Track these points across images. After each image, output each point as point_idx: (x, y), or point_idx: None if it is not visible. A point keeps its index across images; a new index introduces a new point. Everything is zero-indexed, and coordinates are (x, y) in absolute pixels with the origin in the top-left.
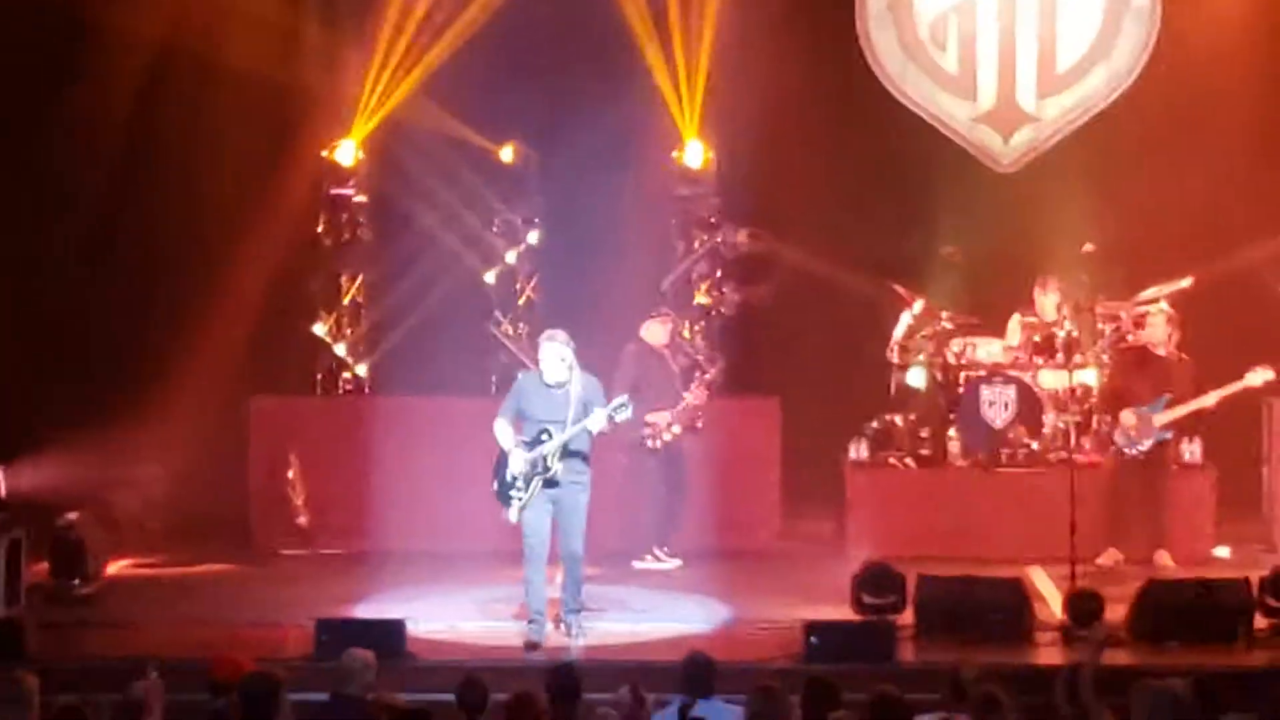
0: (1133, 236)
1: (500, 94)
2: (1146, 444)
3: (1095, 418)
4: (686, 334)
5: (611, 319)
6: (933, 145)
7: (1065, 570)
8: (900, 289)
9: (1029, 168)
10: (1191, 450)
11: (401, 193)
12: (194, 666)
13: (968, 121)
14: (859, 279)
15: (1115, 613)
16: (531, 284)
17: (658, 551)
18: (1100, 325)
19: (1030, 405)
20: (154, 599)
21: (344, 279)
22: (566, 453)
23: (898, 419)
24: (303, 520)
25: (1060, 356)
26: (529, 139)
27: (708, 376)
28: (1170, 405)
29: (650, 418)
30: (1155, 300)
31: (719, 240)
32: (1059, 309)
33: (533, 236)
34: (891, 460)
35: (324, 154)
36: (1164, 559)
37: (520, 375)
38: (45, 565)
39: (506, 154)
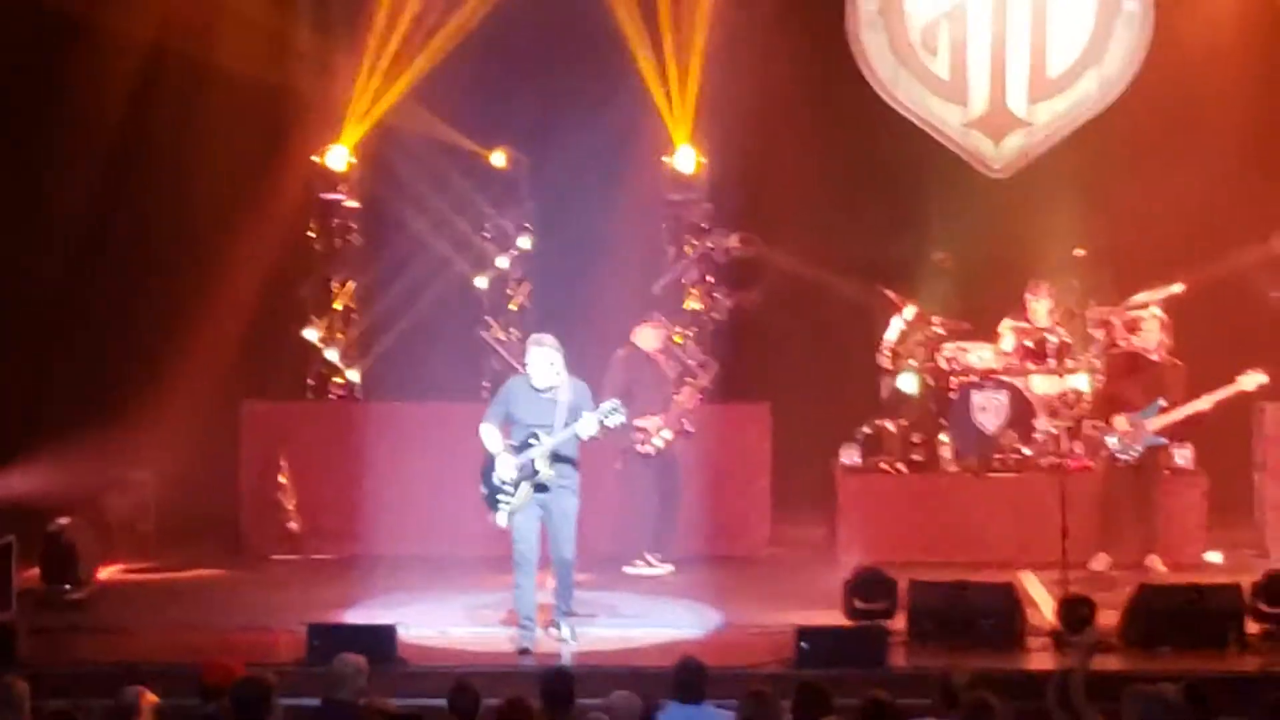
0: (1124, 241)
1: (491, 99)
2: (1139, 449)
3: (1087, 423)
4: (678, 339)
5: (603, 324)
6: (924, 150)
7: (1057, 575)
8: (891, 294)
9: (1020, 172)
10: (1183, 455)
11: (393, 198)
12: (185, 671)
13: (959, 127)
14: (850, 284)
15: (1107, 618)
16: (523, 289)
17: (649, 557)
18: (1092, 330)
19: (1022, 410)
20: (145, 604)
21: (335, 284)
22: (555, 458)
23: (889, 424)
24: (294, 525)
25: (1052, 362)
26: (520, 144)
27: (700, 381)
28: (1163, 410)
29: (640, 423)
30: (1147, 305)
31: (710, 245)
32: (1051, 314)
33: (524, 241)
34: (883, 465)
35: (315, 159)
36: (1156, 564)
37: (509, 380)
38: (36, 570)
39: (498, 159)
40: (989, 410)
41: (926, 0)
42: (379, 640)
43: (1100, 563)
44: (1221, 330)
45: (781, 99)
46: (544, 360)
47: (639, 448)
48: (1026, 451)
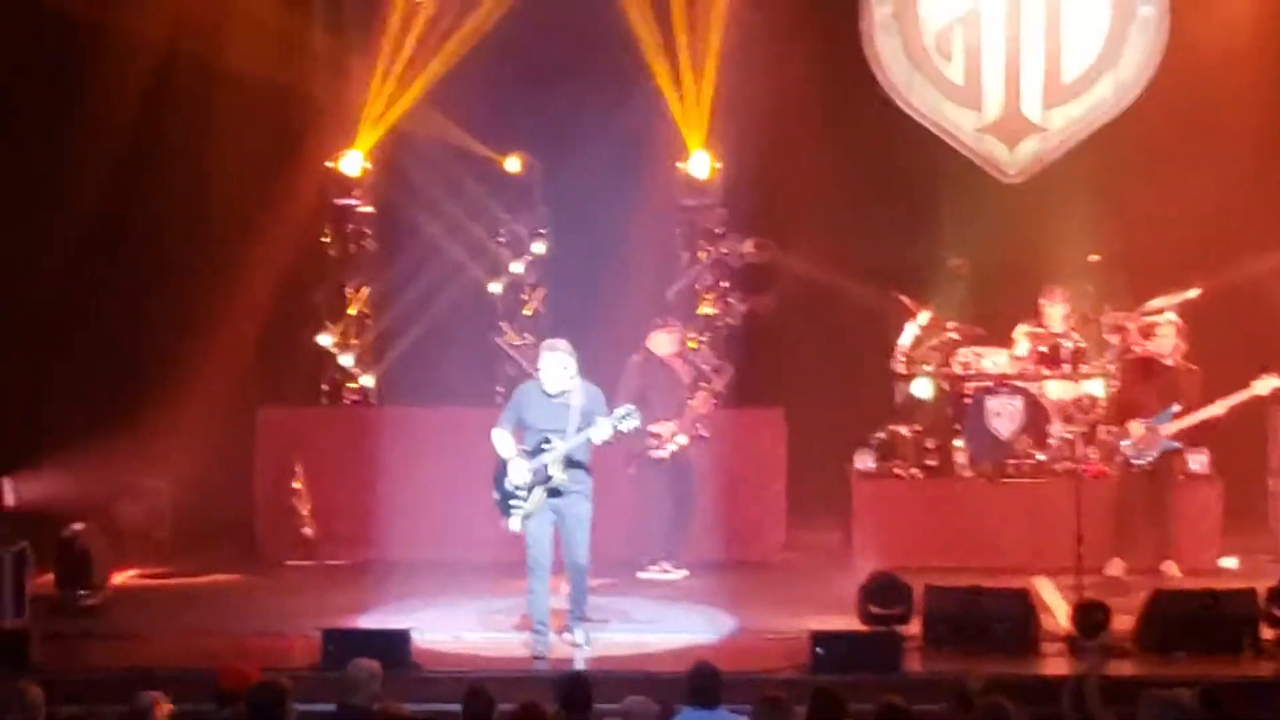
0: (1139, 246)
1: (506, 104)
2: (1153, 454)
3: (1102, 428)
4: (692, 344)
5: (617, 329)
6: (939, 154)
7: (1072, 581)
8: (906, 299)
9: (1035, 177)
10: (1198, 460)
11: (407, 203)
12: (200, 677)
13: (973, 132)
14: (864, 289)
15: (1122, 623)
16: (537, 294)
17: (664, 562)
18: (1107, 335)
19: (1037, 416)
20: (160, 609)
21: (349, 289)
22: (568, 462)
23: (904, 429)
24: (308, 530)
25: (1066, 367)
26: (534, 149)
27: (715, 386)
28: (1178, 415)
29: (654, 428)
30: (1162, 310)
31: (724, 250)
32: (1065, 319)
33: (538, 247)
34: (897, 471)
35: (329, 164)
36: (1171, 569)
37: (521, 385)
38: (51, 576)
39: (512, 164)
40: (1003, 416)
41: (941, 5)
42: (393, 645)
43: (1115, 568)
44: (1237, 335)
45: (796, 103)
46: (557, 365)
47: (653, 453)
48: (1041, 457)
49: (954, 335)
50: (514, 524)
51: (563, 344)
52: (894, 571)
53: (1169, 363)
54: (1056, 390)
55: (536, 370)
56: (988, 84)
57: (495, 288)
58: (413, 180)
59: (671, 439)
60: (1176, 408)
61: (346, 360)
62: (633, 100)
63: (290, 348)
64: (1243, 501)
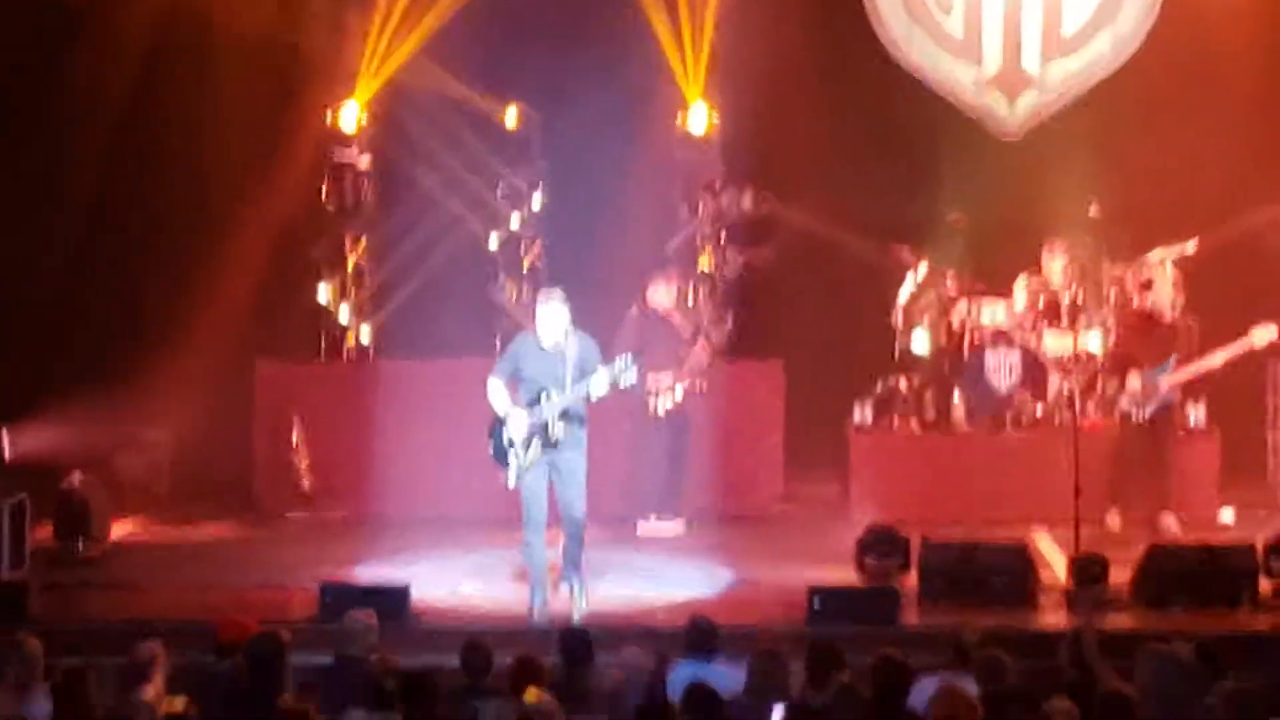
0: (1138, 199)
1: (504, 57)
2: (1151, 407)
3: (1100, 381)
4: (690, 297)
5: (616, 282)
6: (938, 108)
7: (1069, 534)
8: (905, 252)
9: (1034, 131)
10: (1196, 413)
11: (405, 156)
12: (199, 628)
13: (972, 86)
14: (863, 242)
15: (1120, 576)
16: (535, 247)
17: (661, 515)
18: (1105, 288)
19: (1035, 369)
20: (158, 562)
21: (347, 243)
22: (564, 415)
23: (902, 382)
24: (306, 484)
25: (1065, 320)
26: (533, 102)
27: (713, 338)
28: (1176, 368)
29: (652, 380)
30: (1160, 263)
31: (723, 203)
32: (1065, 271)
33: (537, 200)
34: (895, 424)
35: (327, 118)
36: (1169, 522)
37: (517, 336)
38: (49, 528)
39: (510, 117)
40: (1001, 369)
41: None
42: (391, 598)
43: (1113, 521)
44: (1235, 288)
45: (795, 57)
46: (553, 316)
47: (651, 405)
48: (1039, 410)
49: (952, 289)
50: (511, 478)
51: (558, 294)
52: (891, 524)
53: (1167, 315)
54: (1055, 343)
55: (530, 322)
56: (987, 37)
57: (494, 241)
58: (411, 134)
59: (669, 391)
60: (1175, 360)
61: (345, 314)
62: (631, 53)
63: (288, 302)
64: (1241, 454)
